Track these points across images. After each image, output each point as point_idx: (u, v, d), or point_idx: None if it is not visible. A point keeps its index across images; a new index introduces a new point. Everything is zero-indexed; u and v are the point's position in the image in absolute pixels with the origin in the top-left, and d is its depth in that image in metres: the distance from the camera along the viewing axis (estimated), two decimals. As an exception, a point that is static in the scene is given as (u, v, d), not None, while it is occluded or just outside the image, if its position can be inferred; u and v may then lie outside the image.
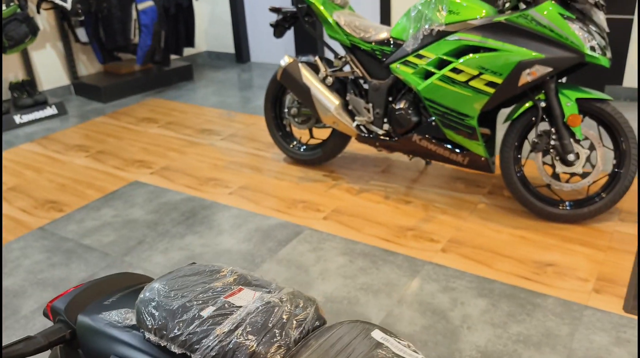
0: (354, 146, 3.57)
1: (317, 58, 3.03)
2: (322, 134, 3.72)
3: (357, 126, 2.93)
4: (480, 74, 2.44)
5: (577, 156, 2.45)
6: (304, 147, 3.29)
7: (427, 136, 2.75)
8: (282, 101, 3.29)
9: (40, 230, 2.78)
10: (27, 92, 4.54)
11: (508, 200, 2.80)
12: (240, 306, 0.82)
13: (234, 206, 2.90)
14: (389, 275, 2.30)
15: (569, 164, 2.46)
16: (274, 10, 3.07)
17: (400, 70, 2.68)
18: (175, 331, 0.80)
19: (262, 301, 0.84)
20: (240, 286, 0.88)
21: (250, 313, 0.81)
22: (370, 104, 2.87)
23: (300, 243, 2.55)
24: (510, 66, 2.37)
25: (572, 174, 2.50)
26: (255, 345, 0.76)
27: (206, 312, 0.81)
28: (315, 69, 3.04)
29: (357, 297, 2.18)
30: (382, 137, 2.89)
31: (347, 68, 2.95)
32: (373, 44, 2.79)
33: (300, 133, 3.74)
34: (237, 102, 4.62)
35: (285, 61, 3.03)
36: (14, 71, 4.65)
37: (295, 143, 3.33)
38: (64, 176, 3.38)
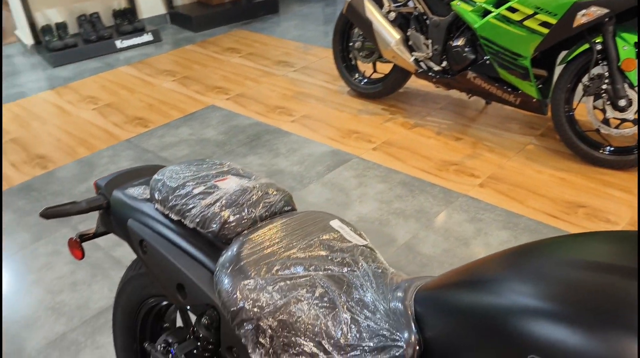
0: (417, 83, 3.65)
1: (382, -7, 3.11)
2: (385, 68, 3.82)
3: (416, 61, 3.02)
4: (535, 13, 2.43)
5: (630, 102, 2.42)
6: (366, 80, 3.44)
7: (482, 74, 2.80)
8: (350, 34, 3.42)
9: (127, 142, 3.19)
10: (127, 19, 4.97)
11: (558, 143, 2.81)
12: (223, 188, 1.06)
13: (293, 133, 3.14)
14: (422, 204, 2.46)
15: (620, 109, 2.44)
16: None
17: (460, 7, 2.71)
18: (173, 202, 1.05)
19: (240, 186, 1.07)
20: (230, 176, 1.12)
21: (228, 192, 1.04)
22: (430, 41, 2.94)
23: (346, 170, 2.76)
24: (565, 6, 2.35)
25: (623, 121, 2.48)
26: (226, 215, 1.00)
27: (197, 190, 1.06)
28: (379, 3, 3.13)
29: (388, 220, 2.38)
30: (439, 73, 2.96)
31: (410, 4, 3.01)
32: (435, -20, 2.83)
33: (365, 67, 3.86)
34: (316, 36, 4.78)
35: (351, -5, 3.14)
36: (117, -1, 5.09)
37: (357, 75, 3.48)
38: (153, 97, 3.78)
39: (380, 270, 0.91)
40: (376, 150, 2.91)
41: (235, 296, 0.86)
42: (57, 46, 4.53)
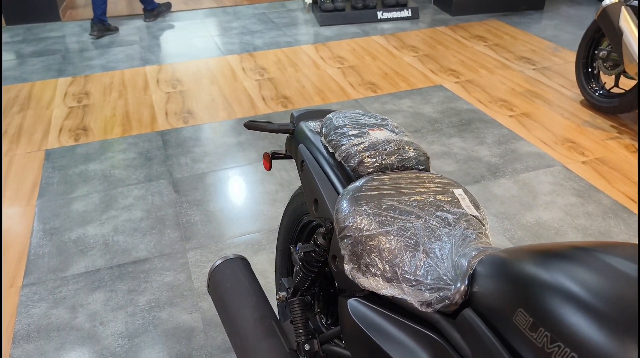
0: (668, 109, 3.29)
1: (646, 4, 2.88)
2: (628, 84, 3.50)
3: (661, 84, 2.76)
4: None
5: None
6: (601, 92, 3.23)
7: None
8: (600, 41, 3.24)
9: (354, 101, 3.58)
10: (394, -6, 5.35)
11: None
12: (371, 136, 1.29)
13: (506, 127, 3.16)
14: (611, 228, 2.33)
15: None
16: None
17: None
18: (331, 137, 1.31)
19: (385, 137, 1.28)
20: (383, 129, 1.34)
21: (373, 139, 1.27)
22: (685, 64, 2.66)
23: (545, 174, 2.72)
24: None
25: None
26: (364, 156, 1.23)
27: (352, 132, 1.30)
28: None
29: (566, 232, 2.33)
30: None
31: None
32: None
33: (607, 79, 3.60)
34: (572, 39, 4.54)
35: (608, 1, 2.97)
36: (390, -26, 5.49)
37: (595, 85, 3.29)
38: (390, 67, 4.10)
39: (473, 235, 1.06)
40: (585, 164, 2.78)
41: (345, 216, 1.09)
42: (328, 7, 5.14)
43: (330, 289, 1.45)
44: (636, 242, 0.79)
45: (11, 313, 1.99)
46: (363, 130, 1.32)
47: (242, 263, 1.52)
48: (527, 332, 0.71)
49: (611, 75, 3.15)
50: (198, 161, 2.92)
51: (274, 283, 2.05)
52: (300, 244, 1.29)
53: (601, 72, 3.28)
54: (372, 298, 1.08)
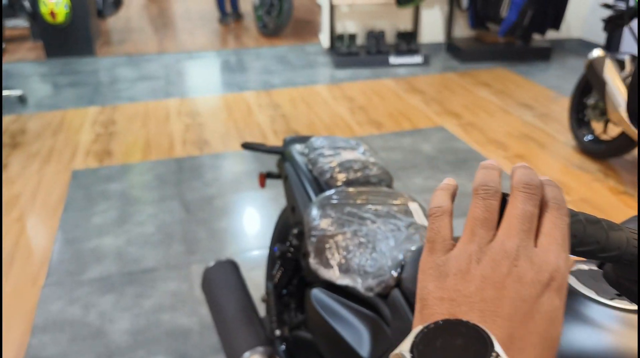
0: (656, 156, 3.47)
1: (628, 57, 3.11)
2: (616, 131, 3.69)
3: (642, 131, 2.96)
4: None
5: None
6: (590, 137, 3.43)
7: None
8: (589, 90, 3.46)
9: (359, 138, 3.83)
10: (407, 41, 5.67)
11: None
12: (343, 156, 1.52)
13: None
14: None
15: None
16: (605, 5, 3.23)
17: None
18: (311, 156, 1.55)
19: (355, 157, 1.51)
20: (354, 151, 1.57)
21: (343, 158, 1.50)
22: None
23: (529, 210, 2.90)
24: None
25: None
26: (335, 172, 1.46)
27: (328, 153, 1.54)
28: (622, 66, 3.13)
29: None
30: (662, 147, 2.86)
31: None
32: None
33: (598, 126, 3.79)
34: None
35: (594, 54, 3.21)
36: (404, 23, 5.83)
37: (585, 131, 3.49)
38: (396, 108, 4.37)
39: (418, 239, 1.27)
40: (569, 204, 2.96)
41: (314, 218, 1.32)
42: (344, 51, 5.47)
43: (304, 287, 1.66)
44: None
45: (32, 307, 2.23)
46: (337, 151, 1.56)
47: (233, 265, 1.74)
48: None
49: (599, 122, 3.36)
50: (209, 185, 3.17)
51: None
52: (278, 245, 1.51)
53: (592, 120, 3.49)
54: (330, 287, 1.29)
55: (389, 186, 1.52)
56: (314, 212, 1.34)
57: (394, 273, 1.13)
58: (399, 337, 1.04)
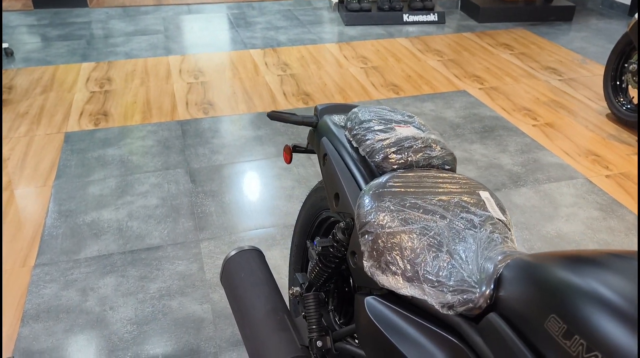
0: (697, 127, 3.22)
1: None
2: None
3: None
4: None
5: None
6: (628, 106, 3.17)
7: None
8: (630, 55, 3.18)
9: (376, 101, 3.55)
10: (421, -3, 5.31)
11: None
12: (398, 132, 1.25)
13: (529, 136, 3.11)
14: (634, 245, 2.27)
15: None
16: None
17: None
18: (356, 131, 1.28)
19: (412, 134, 1.25)
20: (410, 125, 1.30)
21: (398, 135, 1.23)
22: None
23: (567, 186, 2.66)
24: None
25: None
26: (389, 152, 1.20)
27: (377, 127, 1.27)
28: (673, 29, 2.84)
29: (587, 246, 2.27)
30: None
31: None
32: None
33: (635, 93, 3.52)
34: (601, 52, 4.46)
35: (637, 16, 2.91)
36: (418, -23, 5.44)
37: (622, 99, 3.22)
38: (414, 69, 4.06)
39: (499, 239, 1.02)
40: (609, 178, 2.72)
41: (368, 211, 1.06)
42: (354, 7, 5.11)
43: (345, 287, 1.41)
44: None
45: (22, 291, 1.99)
46: (389, 126, 1.29)
47: (257, 254, 1.50)
48: (560, 339, 0.68)
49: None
50: (216, 153, 2.90)
51: (287, 278, 2.03)
52: (318, 238, 1.26)
53: (630, 86, 3.22)
54: (391, 297, 1.05)
55: (453, 169, 1.26)
56: (368, 203, 1.08)
57: (487, 290, 0.88)
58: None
